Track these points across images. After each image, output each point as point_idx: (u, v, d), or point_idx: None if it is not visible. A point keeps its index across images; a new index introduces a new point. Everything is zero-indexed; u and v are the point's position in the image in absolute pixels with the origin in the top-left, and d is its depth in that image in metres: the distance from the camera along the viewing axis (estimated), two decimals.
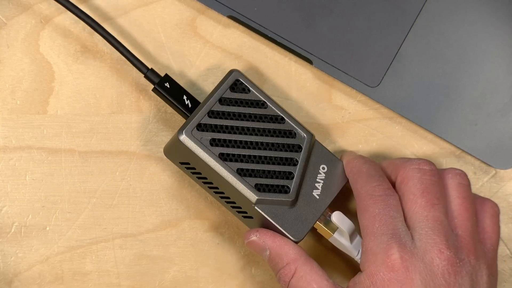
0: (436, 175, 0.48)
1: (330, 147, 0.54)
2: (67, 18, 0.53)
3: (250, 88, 0.51)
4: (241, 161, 0.50)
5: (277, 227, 0.50)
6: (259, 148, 0.50)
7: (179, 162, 0.51)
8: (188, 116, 0.50)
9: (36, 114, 0.53)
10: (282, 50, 0.54)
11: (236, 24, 0.54)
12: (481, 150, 0.54)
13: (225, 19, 0.54)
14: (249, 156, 0.50)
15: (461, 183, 0.49)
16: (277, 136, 0.51)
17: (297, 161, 0.50)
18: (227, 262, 0.53)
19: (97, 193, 0.53)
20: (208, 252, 0.53)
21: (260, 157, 0.50)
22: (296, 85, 0.54)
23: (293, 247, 0.49)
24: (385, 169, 0.50)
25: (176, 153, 0.50)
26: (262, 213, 0.49)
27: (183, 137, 0.49)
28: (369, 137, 0.54)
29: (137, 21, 0.53)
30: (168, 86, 0.51)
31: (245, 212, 0.50)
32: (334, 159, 0.51)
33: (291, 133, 0.51)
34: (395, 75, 0.53)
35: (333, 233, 0.51)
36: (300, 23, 0.53)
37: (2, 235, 0.52)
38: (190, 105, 0.51)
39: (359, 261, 0.50)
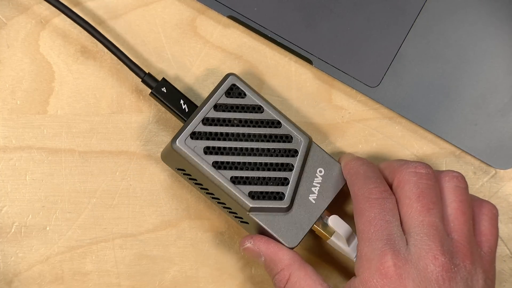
0: (433, 178, 0.48)
1: (330, 147, 0.54)
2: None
3: (246, 93, 0.50)
4: (236, 168, 0.50)
5: (272, 234, 0.50)
6: (254, 155, 0.50)
7: (176, 168, 0.51)
8: (186, 121, 0.50)
9: (36, 114, 0.53)
10: (282, 50, 0.54)
11: (236, 24, 0.54)
12: (481, 150, 0.54)
13: (225, 19, 0.54)
14: (244, 163, 0.50)
15: (458, 186, 0.49)
16: (273, 141, 0.50)
17: (292, 166, 0.50)
18: (227, 262, 0.53)
19: (97, 193, 0.53)
20: (208, 252, 0.53)
21: (255, 163, 0.50)
22: (296, 85, 0.54)
23: (287, 253, 0.49)
24: (383, 171, 0.50)
25: (171, 160, 0.51)
26: (257, 220, 0.50)
27: (176, 147, 0.49)
28: (369, 137, 0.54)
29: (137, 21, 0.53)
30: (165, 90, 0.51)
31: (241, 218, 0.50)
32: (331, 161, 0.51)
33: (287, 138, 0.51)
34: (395, 75, 0.53)
35: (331, 236, 0.51)
36: (300, 23, 0.53)
37: (2, 235, 0.52)
38: (187, 110, 0.51)
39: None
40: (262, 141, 0.50)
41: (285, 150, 0.50)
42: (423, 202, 0.47)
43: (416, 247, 0.46)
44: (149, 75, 0.51)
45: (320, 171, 0.51)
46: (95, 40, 0.52)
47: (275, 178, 0.50)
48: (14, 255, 0.53)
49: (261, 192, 0.50)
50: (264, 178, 0.50)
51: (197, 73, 0.54)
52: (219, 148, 0.50)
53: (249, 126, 0.50)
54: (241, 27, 0.54)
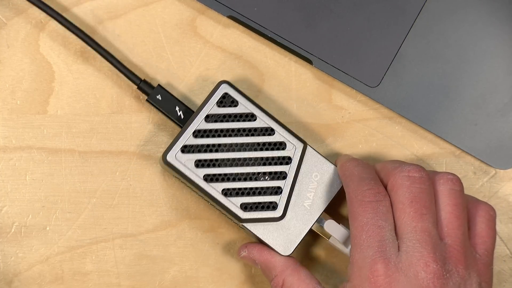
0: (426, 182, 0.48)
1: (329, 147, 0.54)
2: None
3: (239, 101, 0.50)
4: (228, 180, 0.50)
5: (266, 243, 0.50)
6: (247, 165, 0.50)
7: (173, 175, 0.51)
8: (182, 127, 0.50)
9: (36, 114, 0.53)
10: (282, 50, 0.54)
11: (236, 24, 0.54)
12: (481, 150, 0.54)
13: (225, 19, 0.54)
14: (236, 174, 0.50)
15: (453, 189, 0.48)
16: (266, 149, 0.50)
17: (286, 174, 0.50)
18: (227, 262, 0.53)
19: (97, 193, 0.53)
20: (208, 252, 0.53)
21: (247, 174, 0.50)
22: (296, 85, 0.54)
23: (279, 259, 0.50)
24: (379, 173, 0.50)
25: (167, 169, 0.51)
26: (250, 230, 0.50)
27: (167, 162, 0.50)
28: (369, 137, 0.54)
29: (137, 21, 0.54)
30: (160, 98, 0.51)
31: (238, 224, 0.51)
32: (327, 165, 0.51)
33: (281, 145, 0.50)
34: (395, 75, 0.53)
35: (329, 238, 0.51)
36: (300, 23, 0.53)
37: (2, 235, 0.52)
38: (182, 116, 0.51)
39: None
40: (255, 150, 0.50)
41: (278, 158, 0.50)
42: (416, 207, 0.47)
43: (408, 254, 0.46)
44: (145, 82, 0.52)
45: (316, 176, 0.51)
46: (95, 40, 0.52)
47: (268, 187, 0.50)
48: (14, 255, 0.53)
49: (254, 203, 0.50)
50: (256, 188, 0.50)
51: (197, 74, 0.54)
52: (210, 160, 0.50)
53: (241, 135, 0.50)
54: (241, 27, 0.54)
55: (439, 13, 0.54)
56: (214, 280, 0.53)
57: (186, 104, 0.53)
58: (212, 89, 0.50)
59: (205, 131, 0.50)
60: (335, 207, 0.54)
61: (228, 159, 0.50)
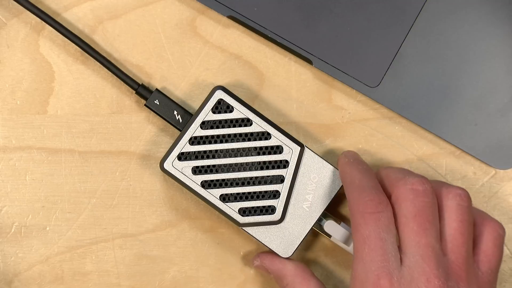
0: (430, 195, 0.47)
1: (329, 148, 0.54)
2: (67, 17, 0.53)
3: (234, 106, 0.50)
4: (225, 185, 0.50)
5: (266, 246, 0.50)
6: (244, 170, 0.50)
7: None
8: (180, 131, 0.51)
9: (36, 114, 0.53)
10: (282, 50, 0.54)
11: (236, 24, 0.54)
12: (481, 150, 0.54)
13: (225, 19, 0.54)
14: (233, 179, 0.50)
15: (460, 204, 0.48)
16: (263, 154, 0.50)
17: (284, 178, 0.50)
18: (227, 262, 0.53)
19: (97, 193, 0.53)
20: (208, 252, 0.53)
21: (244, 179, 0.50)
22: (296, 85, 0.54)
23: (290, 269, 0.50)
24: (383, 180, 0.49)
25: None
26: (250, 233, 0.50)
27: (164, 169, 0.50)
28: (369, 137, 0.54)
29: (137, 21, 0.53)
30: (158, 102, 0.51)
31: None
32: (326, 166, 0.51)
33: (278, 148, 0.51)
34: (395, 75, 0.53)
35: (330, 238, 0.51)
36: (300, 23, 0.53)
37: (2, 235, 0.52)
38: (181, 120, 0.51)
39: None
40: (252, 155, 0.50)
41: (275, 161, 0.50)
42: (419, 221, 0.46)
43: (411, 269, 0.46)
44: (143, 86, 0.52)
45: (314, 178, 0.51)
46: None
47: (266, 191, 0.50)
48: (14, 255, 0.53)
49: (252, 208, 0.50)
50: (254, 193, 0.50)
51: (197, 74, 0.54)
52: (208, 166, 0.50)
53: (237, 140, 0.50)
54: (241, 27, 0.54)
55: (439, 13, 0.54)
56: (214, 280, 0.53)
57: (185, 105, 0.53)
58: (209, 92, 0.51)
59: (201, 137, 0.50)
60: (336, 207, 0.54)
61: (225, 165, 0.50)
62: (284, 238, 0.50)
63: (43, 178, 0.53)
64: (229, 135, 0.50)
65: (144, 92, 0.52)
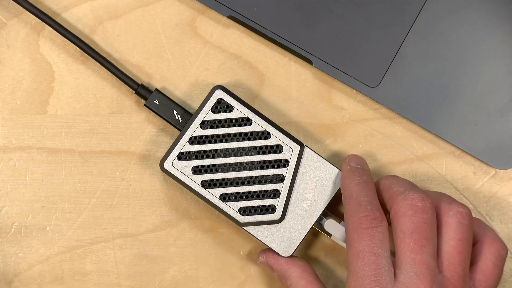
0: (429, 211, 0.47)
1: (329, 148, 0.54)
2: (67, 17, 0.53)
3: (233, 106, 0.50)
4: (225, 185, 0.50)
5: (266, 245, 0.50)
6: (244, 169, 0.50)
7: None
8: (180, 130, 0.51)
9: (36, 114, 0.53)
10: (282, 50, 0.54)
11: (236, 24, 0.54)
12: (481, 150, 0.54)
13: (225, 19, 0.54)
14: (233, 179, 0.50)
15: (461, 222, 0.47)
16: (263, 153, 0.50)
17: (284, 177, 0.50)
18: (227, 262, 0.53)
19: (97, 193, 0.53)
20: (208, 252, 0.53)
21: (244, 178, 0.50)
22: (296, 85, 0.54)
23: (295, 270, 0.50)
24: (382, 193, 0.49)
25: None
26: (250, 233, 0.50)
27: (165, 169, 0.50)
28: (369, 137, 0.54)
29: (137, 22, 0.53)
30: (158, 102, 0.51)
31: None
32: (326, 165, 0.51)
33: (277, 148, 0.51)
34: (395, 75, 0.53)
35: (330, 237, 0.51)
36: (300, 23, 0.53)
37: (2, 235, 0.52)
38: (180, 120, 0.51)
39: None
40: (252, 154, 0.50)
41: (275, 161, 0.50)
42: (416, 238, 0.46)
43: (405, 284, 0.45)
44: (142, 87, 0.52)
45: (314, 177, 0.51)
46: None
47: (266, 191, 0.50)
48: (14, 255, 0.53)
49: (252, 207, 0.50)
50: (254, 192, 0.50)
51: (197, 73, 0.54)
52: (208, 166, 0.50)
53: (237, 140, 0.50)
54: (241, 27, 0.54)
55: (439, 13, 0.54)
56: (214, 280, 0.53)
57: (185, 105, 0.53)
58: (208, 92, 0.51)
59: (201, 137, 0.50)
60: (336, 206, 0.54)
61: (225, 164, 0.50)
62: (284, 237, 0.50)
63: (43, 178, 0.53)
64: (229, 135, 0.50)
65: (143, 92, 0.52)
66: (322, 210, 0.51)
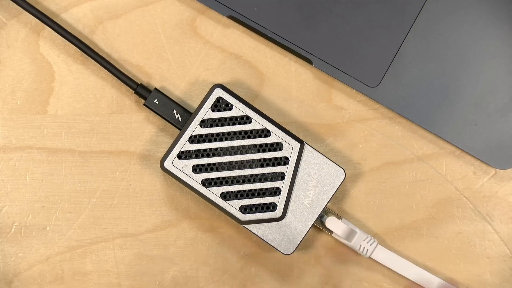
0: None
1: (329, 148, 0.54)
2: (67, 18, 0.53)
3: (233, 104, 0.50)
4: (226, 183, 0.50)
5: (268, 243, 0.50)
6: (244, 167, 0.50)
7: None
8: (180, 130, 0.51)
9: (36, 114, 0.53)
10: (282, 50, 0.54)
11: (236, 24, 0.54)
12: (481, 150, 0.54)
13: (225, 19, 0.54)
14: (234, 177, 0.50)
15: None
16: (263, 151, 0.50)
17: (284, 175, 0.50)
18: (227, 262, 0.53)
19: (97, 193, 0.53)
20: (208, 252, 0.53)
21: (245, 176, 0.50)
22: (296, 85, 0.54)
23: None
24: None
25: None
26: (251, 231, 0.50)
27: (165, 168, 0.50)
28: (369, 137, 0.54)
29: (137, 21, 0.53)
30: (157, 102, 0.52)
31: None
32: (326, 163, 0.51)
33: (278, 145, 0.51)
34: (395, 75, 0.53)
35: (331, 234, 0.51)
36: (300, 23, 0.53)
37: (2, 235, 0.52)
38: (180, 119, 0.51)
39: (362, 254, 0.51)
40: (252, 152, 0.50)
41: (276, 159, 0.50)
42: None
43: None
44: (141, 86, 0.52)
45: (314, 174, 0.51)
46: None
47: (267, 189, 0.50)
48: (14, 255, 0.53)
49: (253, 205, 0.50)
50: (255, 190, 0.50)
51: (197, 73, 0.54)
52: (208, 164, 0.50)
53: (237, 138, 0.50)
54: (241, 27, 0.54)
55: (439, 13, 0.54)
56: (214, 280, 0.53)
57: (185, 105, 0.53)
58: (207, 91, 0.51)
59: (201, 136, 0.50)
60: (337, 203, 0.54)
61: (225, 163, 0.50)
62: (285, 235, 0.50)
63: (43, 178, 0.53)
64: (228, 133, 0.50)
65: (143, 92, 0.52)
66: (323, 207, 0.51)
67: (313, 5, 0.53)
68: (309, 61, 0.53)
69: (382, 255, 0.53)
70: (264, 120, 0.51)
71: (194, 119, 0.50)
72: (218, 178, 0.50)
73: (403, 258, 0.53)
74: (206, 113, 0.50)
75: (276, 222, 0.50)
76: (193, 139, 0.50)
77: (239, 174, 0.50)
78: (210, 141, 0.50)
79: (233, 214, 0.50)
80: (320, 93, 0.54)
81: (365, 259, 0.53)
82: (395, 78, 0.53)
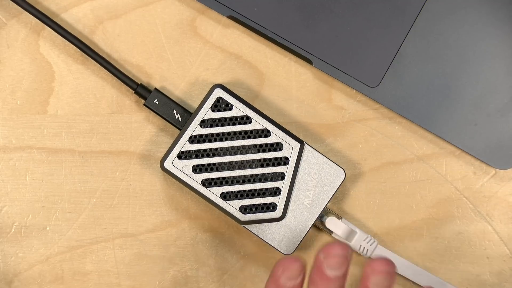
0: None
1: (329, 147, 0.54)
2: (67, 18, 0.53)
3: (233, 104, 0.50)
4: (226, 183, 0.50)
5: (268, 243, 0.51)
6: (244, 167, 0.50)
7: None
8: (180, 130, 0.51)
9: (36, 114, 0.53)
10: (282, 50, 0.54)
11: (236, 24, 0.54)
12: (481, 150, 0.54)
13: (225, 19, 0.54)
14: (234, 177, 0.50)
15: None
16: (263, 151, 0.50)
17: (284, 175, 0.50)
18: (227, 262, 0.53)
19: (97, 193, 0.53)
20: (208, 252, 0.53)
21: (245, 176, 0.50)
22: (296, 85, 0.54)
23: None
24: None
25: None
26: (251, 231, 0.51)
27: (165, 168, 0.50)
28: (369, 137, 0.54)
29: (137, 21, 0.53)
30: (157, 102, 0.52)
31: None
32: (326, 162, 0.51)
33: (278, 145, 0.51)
34: (395, 75, 0.53)
35: (331, 234, 0.52)
36: (300, 23, 0.53)
37: (2, 235, 0.52)
38: (180, 119, 0.51)
39: (362, 254, 0.51)
40: (252, 152, 0.50)
41: (275, 159, 0.50)
42: None
43: None
44: (141, 86, 0.52)
45: (314, 174, 0.51)
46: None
47: (267, 189, 0.50)
48: (14, 255, 0.53)
49: (253, 205, 0.50)
50: (255, 190, 0.50)
51: (197, 73, 0.54)
52: (208, 164, 0.50)
53: (237, 138, 0.50)
54: (241, 27, 0.54)
55: (439, 13, 0.54)
56: (214, 280, 0.53)
57: (185, 105, 0.53)
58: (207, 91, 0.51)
59: (201, 136, 0.50)
60: (337, 203, 0.54)
61: (226, 163, 0.50)
62: (285, 235, 0.50)
63: (43, 178, 0.53)
64: (228, 133, 0.50)
65: (143, 92, 0.52)
66: (323, 207, 0.51)
67: (313, 5, 0.53)
68: (309, 61, 0.53)
69: (382, 255, 0.53)
70: (264, 120, 0.51)
71: (194, 119, 0.50)
72: (218, 178, 0.50)
73: (403, 258, 0.53)
74: (206, 113, 0.50)
75: (276, 222, 0.50)
76: (193, 139, 0.50)
77: (239, 174, 0.50)
78: (210, 141, 0.50)
79: (233, 214, 0.50)
80: (320, 93, 0.54)
81: (365, 259, 0.53)
82: (395, 78, 0.53)
